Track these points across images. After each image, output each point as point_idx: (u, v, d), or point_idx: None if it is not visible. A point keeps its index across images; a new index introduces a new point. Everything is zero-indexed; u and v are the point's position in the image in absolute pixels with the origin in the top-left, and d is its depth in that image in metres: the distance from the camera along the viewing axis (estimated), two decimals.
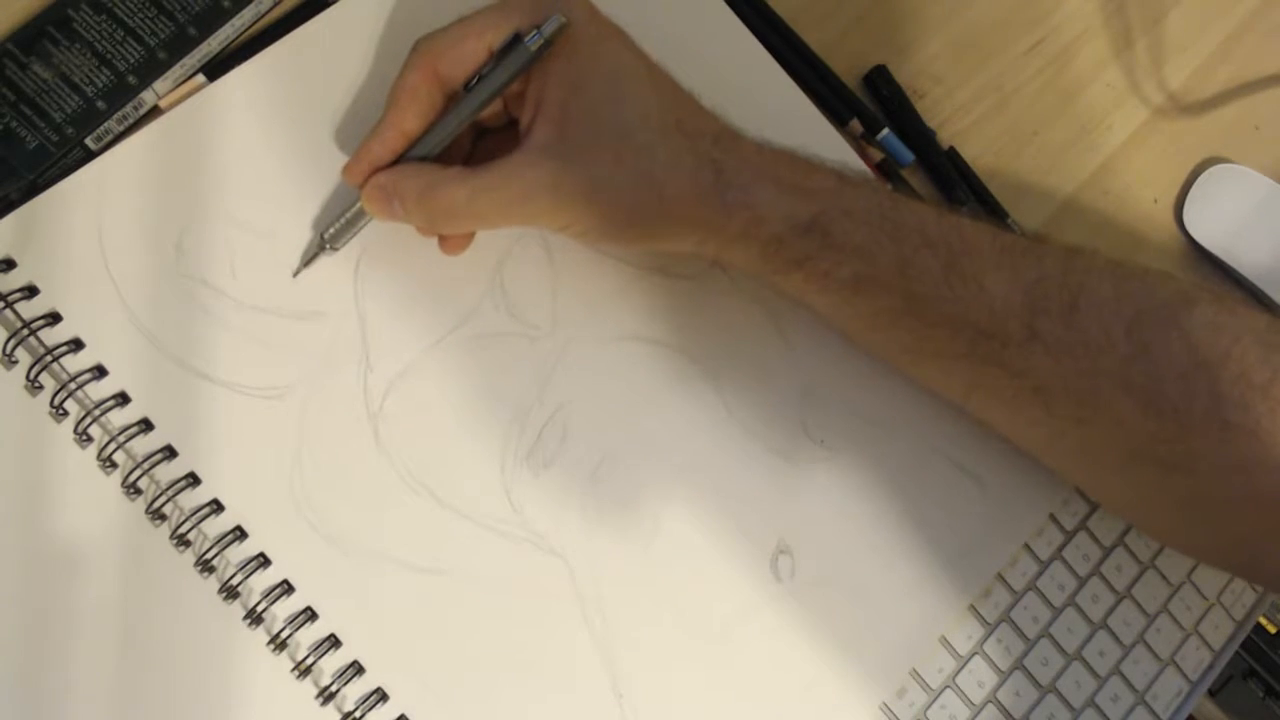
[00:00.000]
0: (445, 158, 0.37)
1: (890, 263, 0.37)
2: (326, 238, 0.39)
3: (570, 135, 0.35)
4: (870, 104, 0.49)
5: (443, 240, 0.40)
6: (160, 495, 0.36)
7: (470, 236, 0.40)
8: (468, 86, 0.36)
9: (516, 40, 0.35)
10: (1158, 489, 0.38)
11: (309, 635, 0.36)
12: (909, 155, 0.48)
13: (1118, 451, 0.38)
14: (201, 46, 0.41)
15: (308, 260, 0.39)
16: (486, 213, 0.36)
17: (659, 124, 0.36)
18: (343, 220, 0.38)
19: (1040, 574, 0.44)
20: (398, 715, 0.36)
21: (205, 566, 0.36)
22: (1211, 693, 0.74)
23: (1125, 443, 0.37)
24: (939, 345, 0.38)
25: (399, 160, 0.37)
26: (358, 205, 0.37)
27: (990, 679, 0.42)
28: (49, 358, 0.36)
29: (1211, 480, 0.36)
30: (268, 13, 0.43)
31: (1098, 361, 0.36)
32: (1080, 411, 0.37)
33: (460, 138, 0.38)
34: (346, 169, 0.37)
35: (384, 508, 0.38)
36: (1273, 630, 0.70)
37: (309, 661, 0.36)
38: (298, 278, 0.39)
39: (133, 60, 0.40)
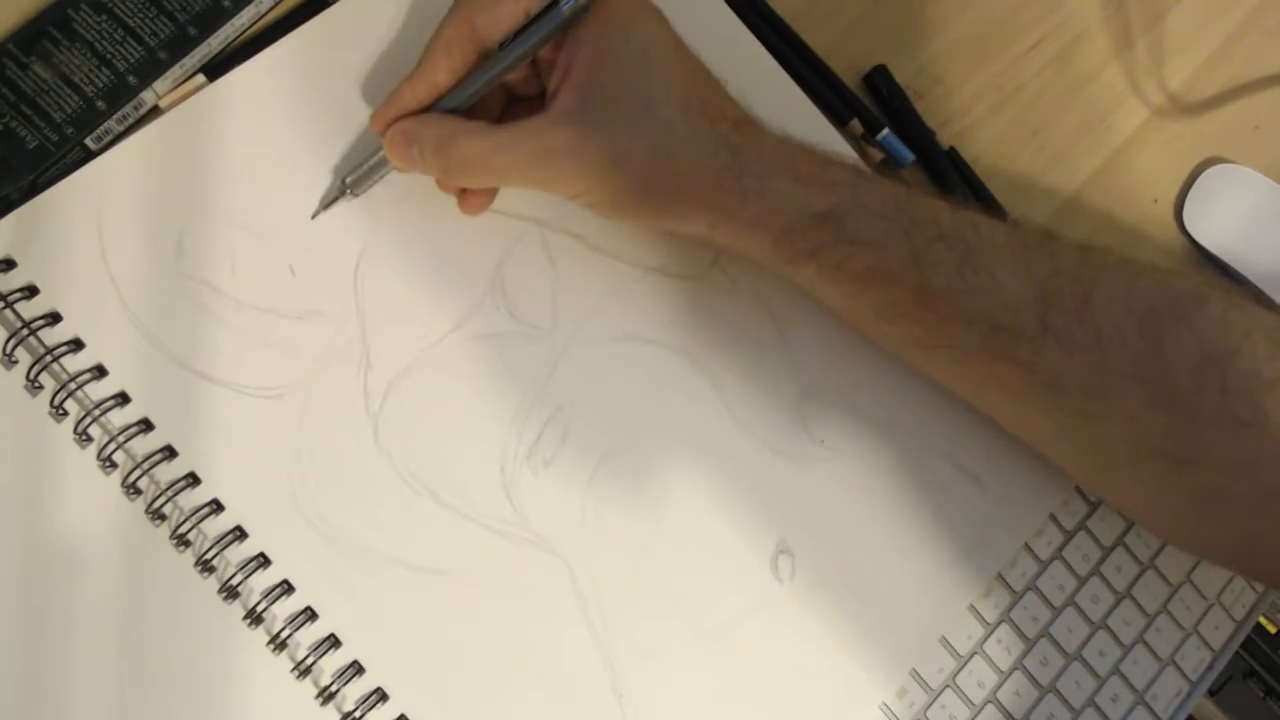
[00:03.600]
0: (473, 119, 0.37)
1: (904, 255, 0.37)
2: (348, 182, 0.39)
3: (594, 104, 0.36)
4: (870, 104, 0.49)
5: (461, 198, 0.40)
6: (160, 495, 0.36)
7: (488, 198, 0.40)
8: (502, 45, 0.36)
9: (554, 4, 0.35)
10: (1166, 484, 0.38)
11: (309, 635, 0.36)
12: (909, 155, 0.48)
13: (1127, 446, 0.38)
14: (201, 46, 0.41)
15: (327, 204, 0.40)
16: (503, 169, 0.37)
17: (682, 103, 0.36)
18: (365, 167, 0.39)
19: (1040, 574, 0.44)
20: (398, 715, 0.36)
21: (205, 566, 0.36)
22: (1211, 693, 0.74)
23: (1135, 437, 0.37)
24: (951, 338, 0.38)
25: (426, 111, 0.37)
26: (381, 153, 0.38)
27: (990, 679, 0.42)
28: (49, 358, 0.36)
29: (1221, 475, 0.36)
30: (268, 13, 0.43)
31: (1109, 356, 0.36)
32: (1091, 405, 0.37)
33: (489, 102, 0.39)
34: (374, 115, 0.38)
35: (384, 508, 0.38)
36: (1273, 630, 0.70)
37: (309, 661, 0.36)
38: (297, 277, 0.39)
39: (133, 60, 0.40)
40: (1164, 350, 0.36)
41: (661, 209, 0.38)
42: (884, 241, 0.37)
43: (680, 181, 0.37)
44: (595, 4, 0.36)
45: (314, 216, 0.40)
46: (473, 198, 0.40)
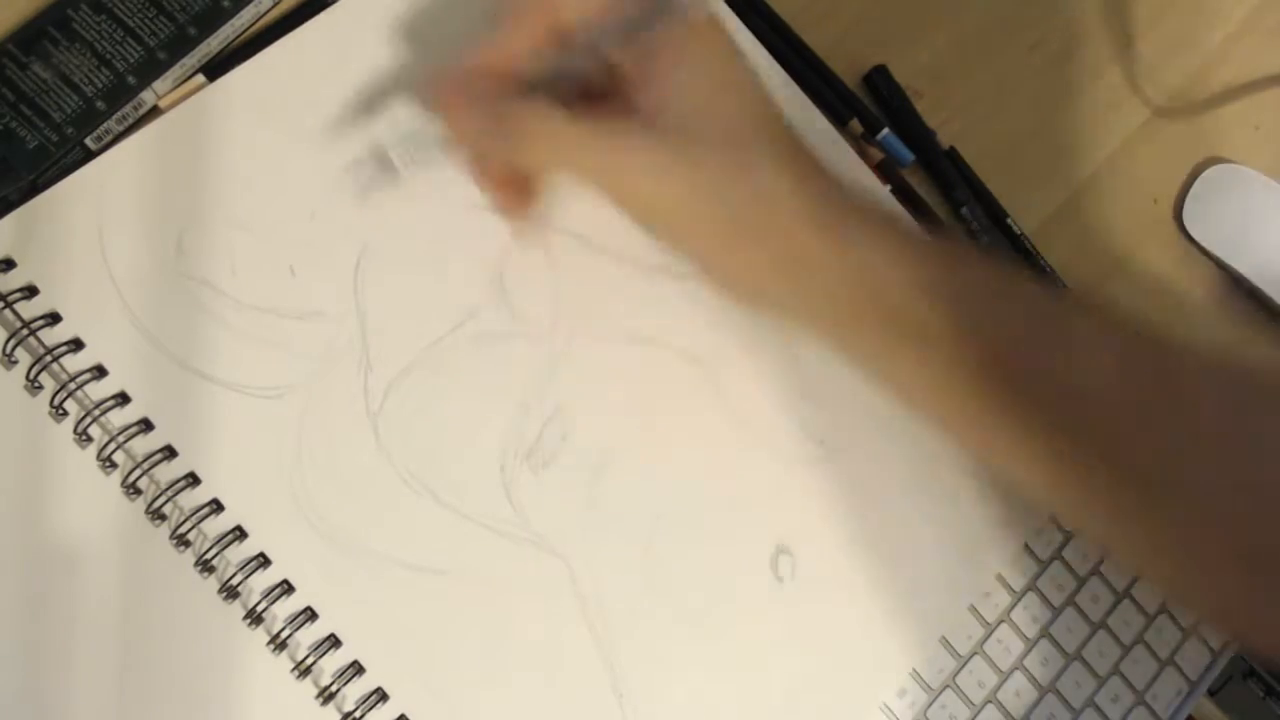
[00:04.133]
0: None
1: (1001, 335, 0.34)
2: (395, 161, 0.37)
3: (693, 133, 0.33)
4: (870, 104, 0.49)
5: (500, 191, 0.38)
6: (160, 495, 0.36)
7: (528, 196, 0.38)
8: (585, 33, 0.34)
9: (653, 11, 0.33)
10: (1256, 585, 0.35)
11: (309, 635, 0.36)
12: (909, 155, 0.48)
13: (1215, 546, 0.35)
14: (201, 46, 0.41)
15: (366, 186, 0.38)
16: (570, 148, 0.34)
17: (771, 139, 0.34)
18: (408, 140, 0.37)
19: (1040, 574, 0.44)
20: (398, 715, 0.36)
21: (205, 566, 0.36)
22: (1211, 693, 0.74)
23: (1224, 537, 0.34)
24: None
25: None
26: (429, 126, 0.36)
27: (990, 679, 0.42)
28: (49, 358, 0.36)
29: None
30: (268, 13, 0.43)
31: (1195, 442, 0.34)
32: (1176, 497, 0.34)
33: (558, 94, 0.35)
34: (435, 80, 0.35)
35: (384, 507, 0.38)
36: None
37: (309, 661, 0.36)
38: (297, 277, 0.39)
39: (133, 60, 0.40)
40: (1263, 441, 0.33)
41: (745, 256, 0.35)
42: (984, 320, 0.34)
43: (779, 221, 0.34)
44: (701, 23, 0.34)
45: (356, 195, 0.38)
46: (512, 191, 0.38)
